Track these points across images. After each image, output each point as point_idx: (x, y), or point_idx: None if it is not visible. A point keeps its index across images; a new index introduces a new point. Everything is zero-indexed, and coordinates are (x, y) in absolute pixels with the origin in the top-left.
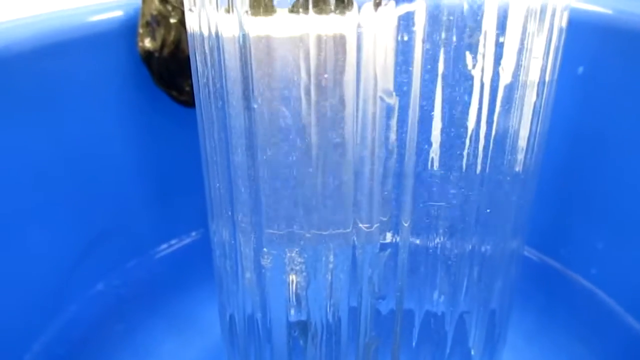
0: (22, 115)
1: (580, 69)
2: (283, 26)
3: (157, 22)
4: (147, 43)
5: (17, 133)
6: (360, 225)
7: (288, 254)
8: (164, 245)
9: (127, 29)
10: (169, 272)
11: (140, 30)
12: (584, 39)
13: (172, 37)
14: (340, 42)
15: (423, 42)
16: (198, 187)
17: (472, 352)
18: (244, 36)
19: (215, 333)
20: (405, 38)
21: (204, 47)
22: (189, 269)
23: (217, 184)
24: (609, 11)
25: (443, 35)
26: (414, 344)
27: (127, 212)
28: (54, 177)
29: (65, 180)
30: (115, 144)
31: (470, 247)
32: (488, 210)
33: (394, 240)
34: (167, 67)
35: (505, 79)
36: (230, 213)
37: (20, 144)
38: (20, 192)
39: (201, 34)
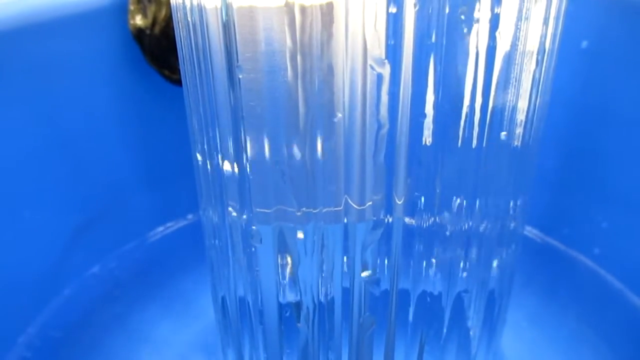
0: (10, 97)
1: (584, 43)
2: None
3: None
4: (138, 20)
5: (6, 115)
6: (352, 203)
7: (277, 233)
8: (161, 228)
9: (118, 6)
10: (166, 254)
11: (131, 7)
12: (587, 12)
13: (163, 14)
14: (327, 8)
15: (415, 6)
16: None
17: (471, 332)
18: (227, 7)
19: (212, 315)
20: (395, 8)
21: (187, 19)
22: (185, 252)
23: (204, 162)
24: None
25: (436, 1)
26: (410, 324)
27: (122, 194)
28: (45, 159)
29: (58, 162)
30: (108, 125)
31: (467, 225)
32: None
33: (387, 218)
34: (159, 45)
35: (502, 46)
36: (218, 192)
37: (10, 126)
38: (11, 175)
39: (184, 6)
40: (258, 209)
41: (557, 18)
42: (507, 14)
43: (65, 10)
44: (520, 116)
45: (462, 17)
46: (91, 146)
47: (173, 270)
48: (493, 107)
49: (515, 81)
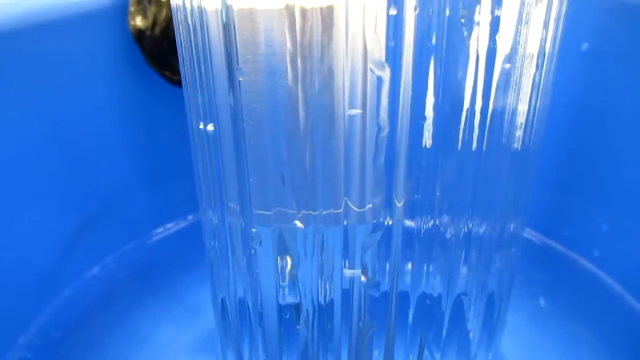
0: (10, 98)
1: (585, 45)
2: None
3: (148, 0)
4: (139, 21)
5: (6, 115)
6: (352, 205)
7: (277, 235)
8: (160, 229)
9: (118, 7)
10: (166, 255)
11: (132, 8)
12: (588, 14)
13: (163, 14)
14: (327, 11)
15: (415, 9)
16: None
17: (471, 335)
18: (227, 9)
19: (212, 317)
20: (395, 10)
21: (187, 21)
22: (185, 253)
23: (204, 164)
24: None
25: (436, 4)
26: (409, 326)
27: (122, 195)
28: (45, 159)
29: (58, 163)
30: (108, 126)
31: (466, 227)
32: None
33: (387, 220)
34: (159, 46)
35: (502, 49)
36: (218, 194)
37: (10, 126)
38: (11, 175)
39: (184, 8)
40: (258, 211)
41: (557, 21)
42: (508, 17)
43: (65, 11)
44: (521, 119)
45: (463, 20)
46: (91, 147)
47: (173, 271)
48: (493, 110)
49: (516, 84)
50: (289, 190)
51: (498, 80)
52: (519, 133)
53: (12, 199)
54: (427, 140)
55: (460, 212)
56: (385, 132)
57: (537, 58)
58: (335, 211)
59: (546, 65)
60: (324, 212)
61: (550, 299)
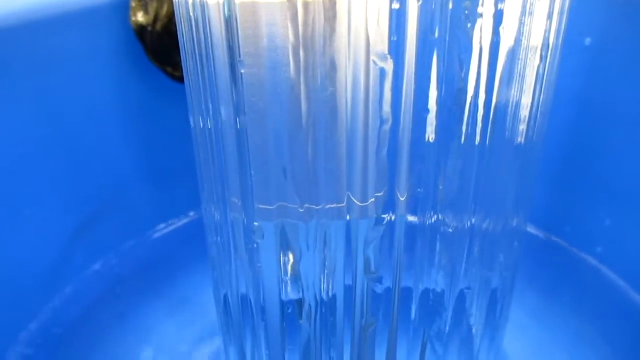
0: (11, 94)
1: (588, 40)
2: None
3: None
4: (140, 17)
5: (7, 112)
6: (354, 199)
7: (280, 230)
8: (162, 225)
9: (120, 3)
10: (167, 252)
11: (133, 4)
12: (591, 9)
13: (165, 10)
14: (330, 4)
15: (418, 1)
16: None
17: (474, 330)
18: (230, 2)
19: (214, 313)
20: (398, 4)
21: (189, 15)
22: (187, 249)
23: (207, 159)
24: None
25: None
26: (412, 321)
27: (125, 191)
28: (47, 156)
29: (60, 159)
30: (110, 122)
31: (469, 222)
32: (488, 184)
33: (389, 215)
34: (161, 42)
35: (506, 42)
36: (220, 189)
37: (12, 122)
38: (13, 173)
39: (186, 2)
40: (260, 206)
41: (561, 13)
42: (511, 9)
43: (67, 7)
44: (524, 112)
45: (466, 12)
46: (93, 143)
47: (175, 267)
48: (497, 103)
49: (519, 77)
50: (292, 185)
51: (502, 73)
52: (522, 127)
53: (14, 196)
54: (430, 134)
55: (463, 207)
56: (388, 126)
57: (541, 50)
58: (338, 205)
59: (550, 58)
60: (327, 207)
61: (553, 294)
